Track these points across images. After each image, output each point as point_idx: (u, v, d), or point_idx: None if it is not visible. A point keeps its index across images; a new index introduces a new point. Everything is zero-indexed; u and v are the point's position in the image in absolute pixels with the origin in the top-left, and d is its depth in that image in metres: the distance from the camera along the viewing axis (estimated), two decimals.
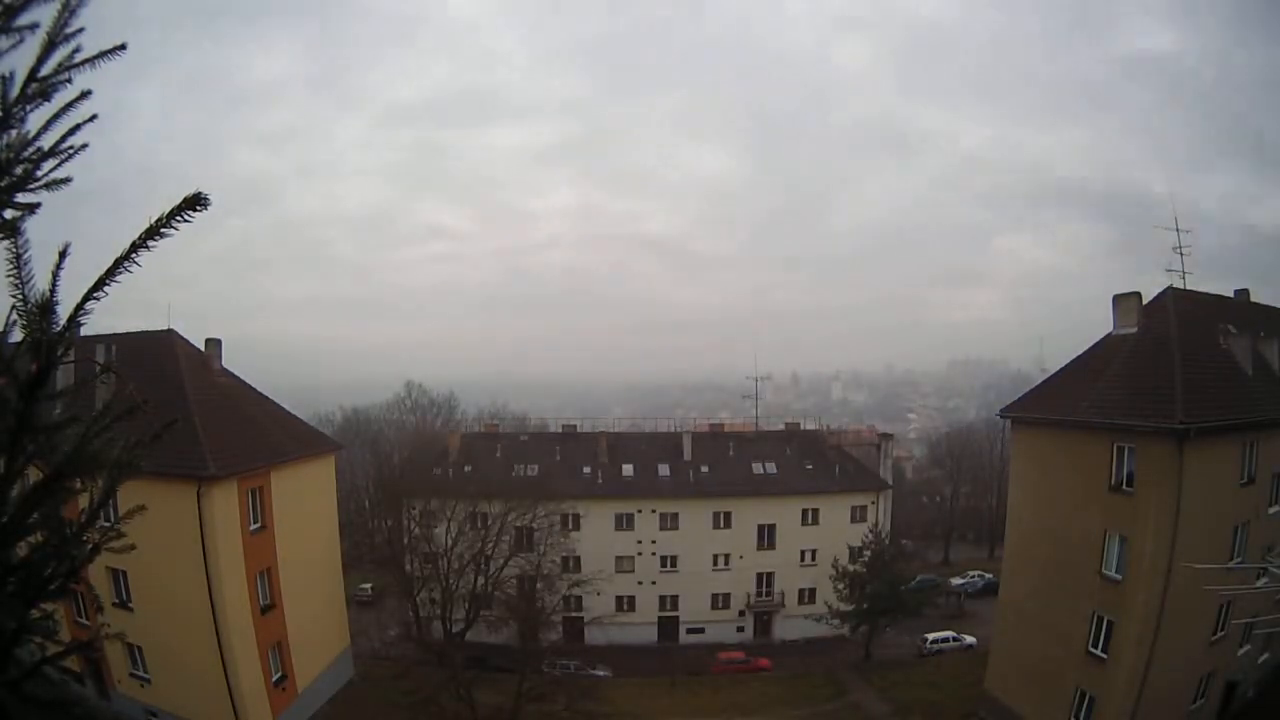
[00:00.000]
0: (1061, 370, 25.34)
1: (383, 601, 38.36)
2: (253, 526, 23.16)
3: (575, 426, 46.50)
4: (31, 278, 1.99)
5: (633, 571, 38.77)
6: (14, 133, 2.07)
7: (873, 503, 39.97)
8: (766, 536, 39.52)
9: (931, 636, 36.42)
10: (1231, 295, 24.98)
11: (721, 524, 39.30)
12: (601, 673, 33.08)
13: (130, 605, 21.65)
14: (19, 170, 2.07)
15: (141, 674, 22.27)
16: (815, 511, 39.65)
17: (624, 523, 38.81)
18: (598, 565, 36.19)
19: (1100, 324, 23.80)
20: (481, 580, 31.82)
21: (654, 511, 38.97)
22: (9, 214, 2.06)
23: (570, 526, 36.30)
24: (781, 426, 47.12)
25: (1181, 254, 23.01)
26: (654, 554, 39.00)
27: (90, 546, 2.26)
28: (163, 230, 1.94)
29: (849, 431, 46.45)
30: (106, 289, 2.01)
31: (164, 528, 19.53)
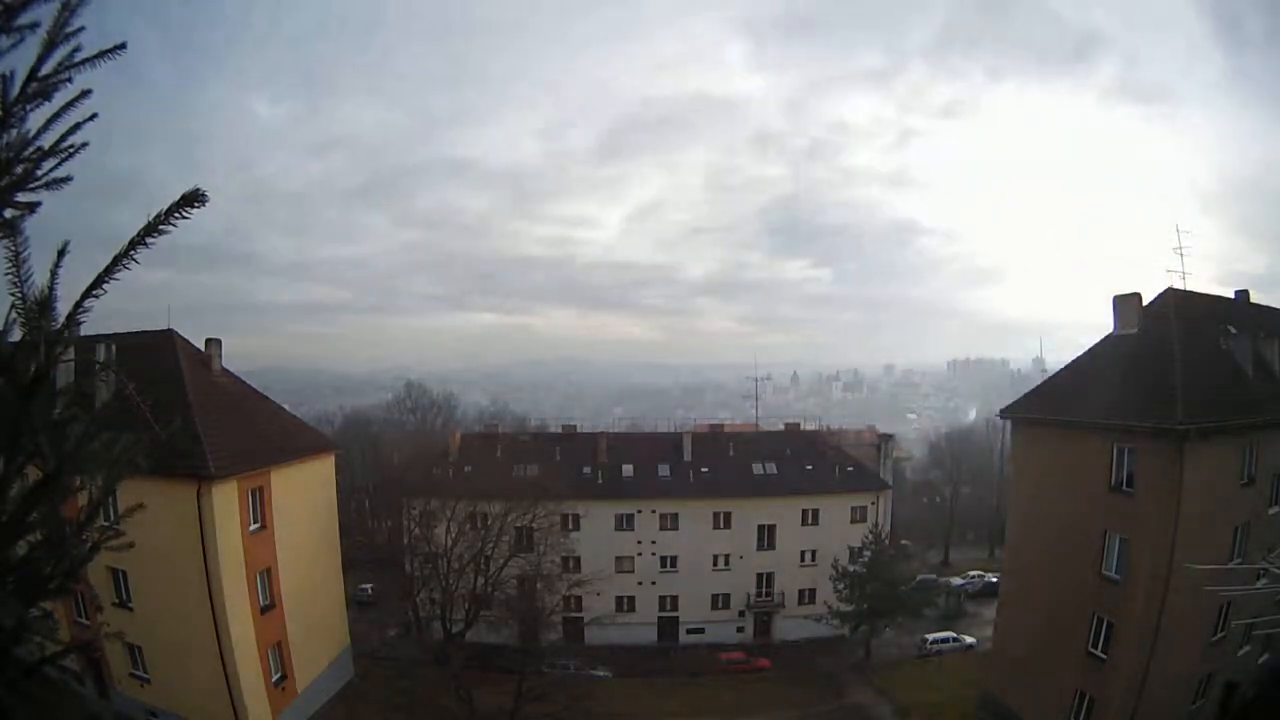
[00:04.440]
0: (1061, 371, 25.35)
1: (383, 601, 38.35)
2: (253, 526, 23.14)
3: (575, 426, 46.55)
4: (30, 276, 1.99)
5: (633, 572, 38.75)
6: (14, 132, 2.07)
7: (873, 503, 39.95)
8: (766, 537, 39.50)
9: (931, 636, 36.42)
10: (1232, 296, 24.97)
11: (721, 524, 39.27)
12: (601, 673, 33.06)
13: (130, 605, 21.62)
14: (19, 170, 2.07)
15: (141, 674, 22.23)
16: (815, 512, 39.63)
17: (624, 523, 38.79)
18: (598, 565, 36.14)
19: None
20: (481, 580, 31.79)
21: (654, 512, 38.94)
22: (9, 213, 2.06)
23: (570, 526, 36.26)
24: (781, 427, 47.13)
25: (1182, 255, 23.02)
26: (654, 554, 38.97)
27: (89, 545, 2.26)
28: (161, 227, 1.95)
29: (849, 432, 46.45)
30: (106, 287, 2.01)
31: (164, 527, 19.51)
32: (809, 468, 40.97)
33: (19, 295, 1.98)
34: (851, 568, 34.27)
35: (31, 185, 2.09)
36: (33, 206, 2.10)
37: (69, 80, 2.09)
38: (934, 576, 46.09)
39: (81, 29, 2.05)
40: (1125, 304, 22.80)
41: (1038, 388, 26.50)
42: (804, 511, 39.54)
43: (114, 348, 19.48)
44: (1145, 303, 22.53)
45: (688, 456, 41.01)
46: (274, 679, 23.70)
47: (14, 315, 2.02)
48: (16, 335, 2.04)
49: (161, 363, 23.27)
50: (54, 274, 2.03)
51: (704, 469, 40.50)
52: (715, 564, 39.22)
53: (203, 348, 26.26)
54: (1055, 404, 23.61)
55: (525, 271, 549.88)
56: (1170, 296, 22.33)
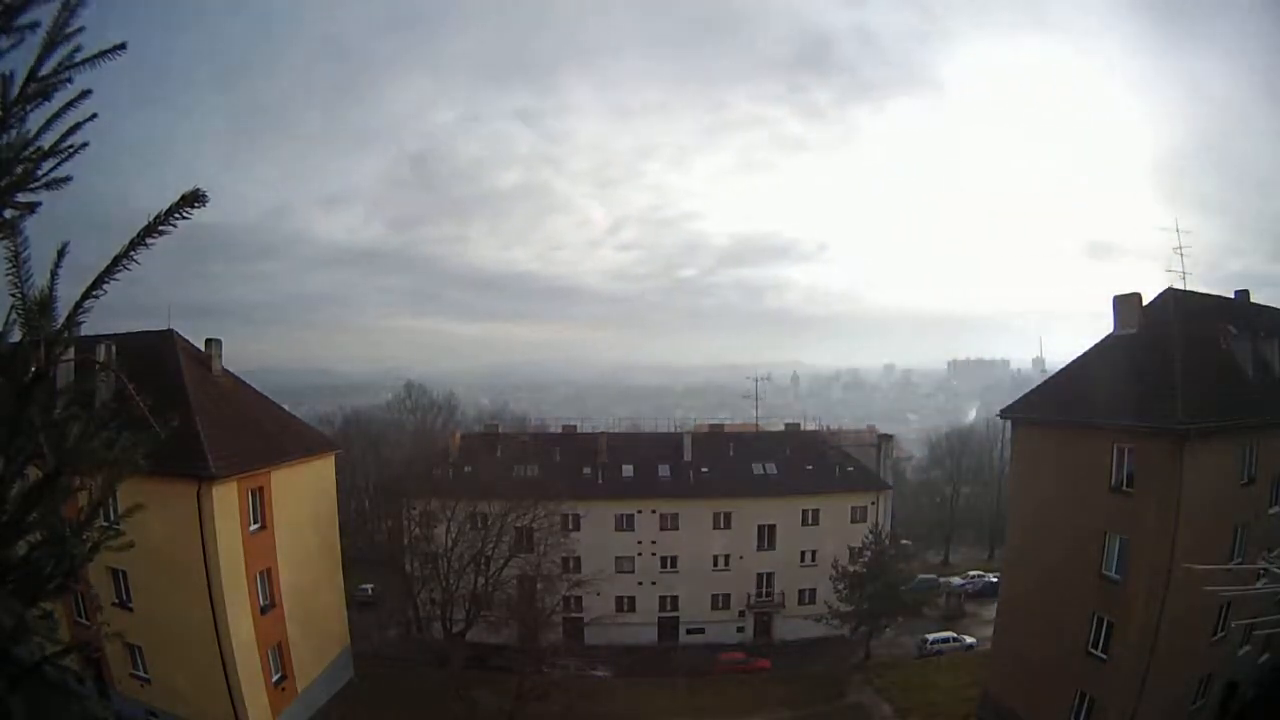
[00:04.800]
0: (1062, 370, 25.34)
1: (383, 601, 38.37)
2: (253, 526, 23.16)
3: (575, 427, 46.53)
4: (30, 276, 2.00)
5: (633, 572, 38.73)
6: (14, 132, 2.07)
7: (873, 503, 39.93)
8: (766, 537, 39.48)
9: (931, 636, 36.42)
10: (1232, 296, 24.97)
11: (721, 524, 39.25)
12: (601, 673, 33.06)
13: (130, 605, 21.64)
14: (19, 170, 2.07)
15: (141, 674, 22.26)
16: (815, 512, 39.61)
17: (624, 523, 38.77)
18: (598, 565, 36.12)
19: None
20: (481, 580, 31.79)
21: (654, 512, 38.93)
22: (9, 213, 2.06)
23: (570, 527, 36.23)
24: (781, 427, 47.08)
25: (1182, 255, 23.00)
26: (654, 554, 38.95)
27: (89, 545, 2.26)
28: (161, 228, 1.95)
29: (849, 432, 46.40)
30: (106, 287, 2.02)
31: (164, 527, 19.50)
32: (809, 468, 40.95)
33: (19, 295, 1.99)
34: (852, 568, 34.26)
35: (31, 185, 2.09)
36: (33, 206, 2.10)
37: (69, 80, 2.09)
38: (934, 576, 46.09)
39: (81, 29, 2.05)
40: (1125, 304, 22.80)
41: (1038, 388, 26.49)
42: (804, 511, 39.51)
43: (114, 348, 19.48)
44: (1145, 303, 22.54)
45: (688, 456, 40.99)
46: (274, 679, 23.71)
47: (14, 315, 2.02)
48: (16, 335, 2.04)
49: (161, 363, 23.29)
50: (54, 274, 2.03)
51: (704, 469, 40.47)
52: (715, 564, 39.19)
53: (203, 348, 26.28)
54: (1055, 404, 23.61)
55: (454, 284, 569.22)
56: (1170, 296, 22.33)
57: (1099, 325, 24.07)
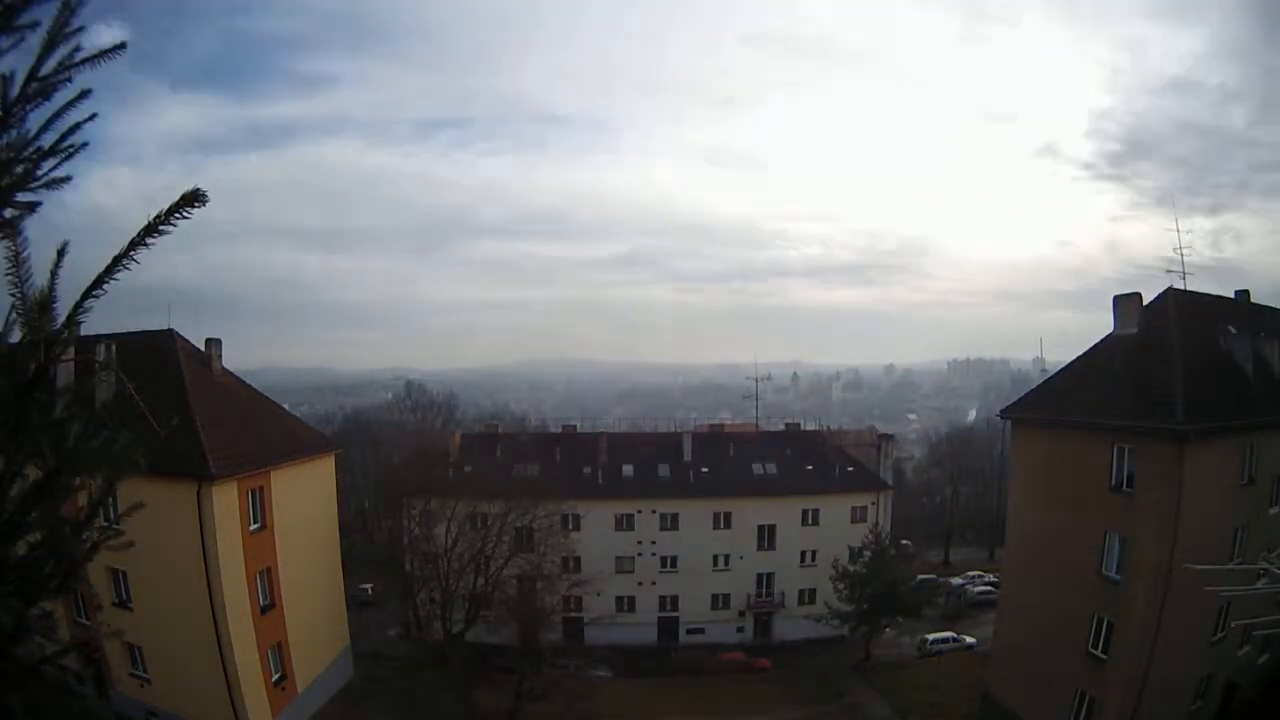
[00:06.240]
0: (1062, 371, 25.34)
1: (383, 601, 38.36)
2: (253, 526, 23.15)
3: (575, 427, 46.55)
4: (30, 276, 2.00)
5: (633, 572, 38.71)
6: (14, 132, 2.07)
7: (873, 503, 39.92)
8: (766, 537, 39.46)
9: (931, 636, 36.41)
10: (1232, 296, 24.98)
11: (721, 524, 39.23)
12: (601, 673, 33.05)
13: (130, 605, 21.64)
14: (19, 169, 2.07)
15: (141, 674, 22.25)
16: (815, 512, 39.59)
17: (624, 523, 38.74)
18: (598, 565, 36.13)
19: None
20: (481, 580, 31.79)
21: (654, 512, 38.90)
22: (9, 213, 2.06)
23: (570, 527, 36.19)
24: (782, 427, 47.06)
25: (1182, 255, 23.01)
26: (654, 554, 38.92)
27: (89, 545, 2.26)
28: (161, 228, 1.95)
29: (849, 432, 46.41)
30: (106, 287, 2.02)
31: (164, 527, 19.48)
32: (809, 468, 40.93)
33: (19, 295, 1.99)
34: (852, 568, 34.22)
35: (31, 185, 2.09)
36: (33, 206, 2.10)
37: (69, 80, 2.09)
38: (934, 576, 46.06)
39: (81, 29, 2.05)
40: (1125, 304, 22.79)
41: (1038, 388, 26.50)
42: (804, 512, 39.48)
43: (114, 348, 19.46)
44: (1145, 303, 22.54)
45: (688, 456, 40.96)
46: (274, 679, 23.71)
47: (14, 315, 2.02)
48: (16, 335, 2.04)
49: (161, 363, 23.27)
50: (54, 274, 2.03)
51: (704, 469, 40.44)
52: (715, 564, 39.17)
53: (203, 348, 26.27)
54: (1055, 404, 23.60)
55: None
56: (1170, 296, 22.31)
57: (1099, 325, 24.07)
